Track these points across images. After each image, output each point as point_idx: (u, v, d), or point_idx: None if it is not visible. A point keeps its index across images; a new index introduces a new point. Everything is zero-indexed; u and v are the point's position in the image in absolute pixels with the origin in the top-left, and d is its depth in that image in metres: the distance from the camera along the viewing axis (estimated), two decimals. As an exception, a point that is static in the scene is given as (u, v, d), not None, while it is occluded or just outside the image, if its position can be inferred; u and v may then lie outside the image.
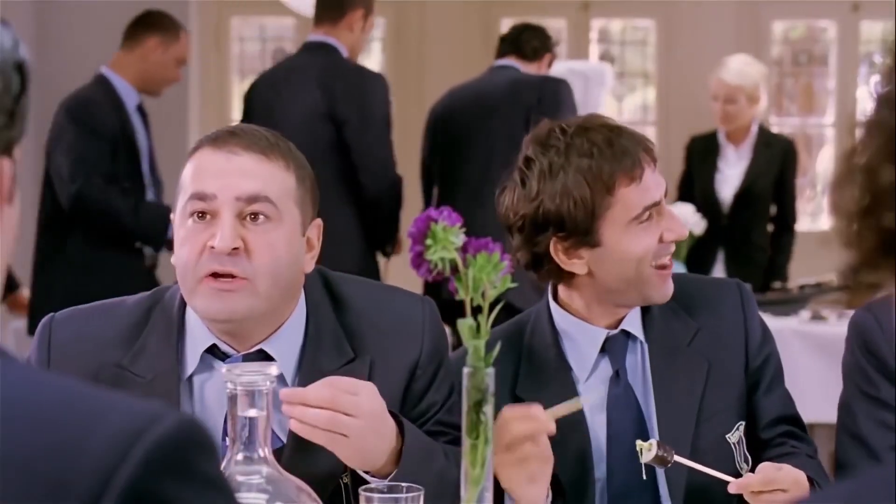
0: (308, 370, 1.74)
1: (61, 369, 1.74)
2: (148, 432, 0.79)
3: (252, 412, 1.42)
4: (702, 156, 5.15)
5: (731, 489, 1.77)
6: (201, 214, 1.69)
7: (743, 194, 4.97)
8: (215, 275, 1.68)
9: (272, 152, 1.72)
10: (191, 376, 1.76)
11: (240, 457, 1.42)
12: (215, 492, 0.83)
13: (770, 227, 5.12)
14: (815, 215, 7.50)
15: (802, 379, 4.19)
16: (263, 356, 1.73)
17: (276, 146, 1.74)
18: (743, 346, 2.00)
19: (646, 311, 1.99)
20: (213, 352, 1.76)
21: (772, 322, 4.42)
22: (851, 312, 1.95)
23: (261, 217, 1.69)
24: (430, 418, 1.81)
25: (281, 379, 1.71)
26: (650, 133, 7.51)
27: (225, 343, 1.75)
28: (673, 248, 1.96)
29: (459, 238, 1.45)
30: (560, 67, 4.86)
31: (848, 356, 1.94)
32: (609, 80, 5.18)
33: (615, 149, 1.88)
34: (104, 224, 4.18)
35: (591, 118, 1.96)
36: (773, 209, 5.11)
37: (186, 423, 0.82)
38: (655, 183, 1.91)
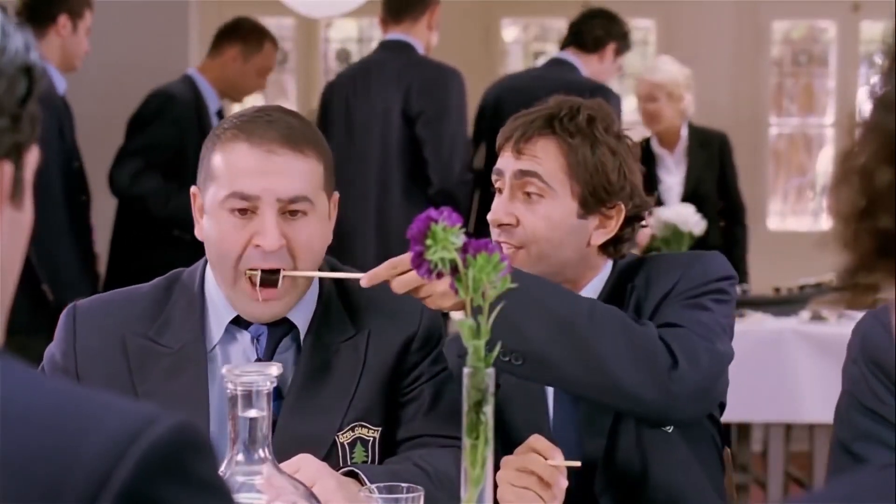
0: (314, 343, 1.87)
1: (89, 350, 1.86)
2: (144, 434, 0.79)
3: (252, 412, 1.42)
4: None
5: (363, 283, 1.76)
6: (242, 211, 1.78)
7: (687, 201, 4.91)
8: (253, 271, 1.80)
9: (305, 146, 1.80)
10: (214, 348, 1.88)
11: (240, 457, 1.42)
12: (211, 494, 0.84)
13: (721, 223, 5.08)
14: (815, 215, 7.49)
15: (802, 379, 4.19)
16: (287, 323, 1.86)
17: (305, 136, 1.81)
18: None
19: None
20: (238, 322, 1.87)
21: (772, 322, 4.44)
22: (851, 313, 1.88)
23: (299, 213, 1.80)
24: (415, 387, 1.92)
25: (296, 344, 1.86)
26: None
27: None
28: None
29: (459, 238, 1.45)
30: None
31: (850, 365, 1.83)
32: None
33: None
34: (137, 209, 4.23)
35: None
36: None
37: (182, 425, 0.82)
38: None
